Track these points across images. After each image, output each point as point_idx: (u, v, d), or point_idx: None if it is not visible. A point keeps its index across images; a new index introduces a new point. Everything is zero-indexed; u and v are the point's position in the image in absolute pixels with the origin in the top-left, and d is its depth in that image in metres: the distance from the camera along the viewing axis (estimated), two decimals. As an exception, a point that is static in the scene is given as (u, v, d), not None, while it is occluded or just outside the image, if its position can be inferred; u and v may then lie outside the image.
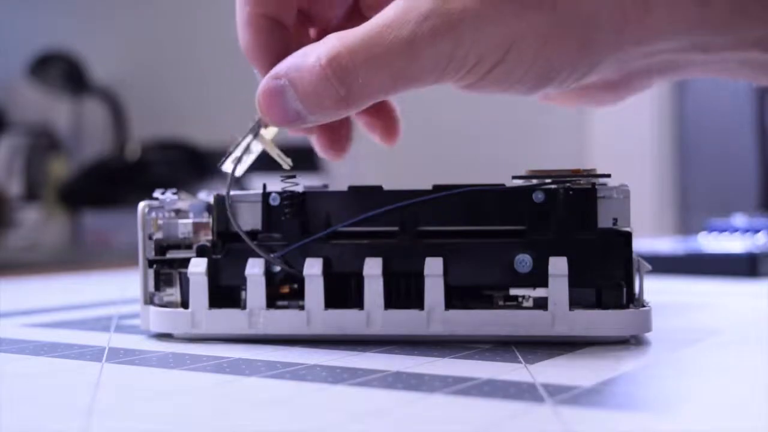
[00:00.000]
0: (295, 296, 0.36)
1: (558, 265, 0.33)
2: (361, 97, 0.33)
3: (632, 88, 0.40)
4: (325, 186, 0.39)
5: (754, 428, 0.22)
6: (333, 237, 0.35)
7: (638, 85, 0.40)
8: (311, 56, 0.33)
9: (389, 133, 0.43)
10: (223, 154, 0.37)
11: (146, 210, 0.37)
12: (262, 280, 0.35)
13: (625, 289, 0.34)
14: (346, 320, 0.35)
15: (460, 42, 0.32)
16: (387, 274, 0.34)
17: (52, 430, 0.23)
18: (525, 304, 0.36)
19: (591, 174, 0.35)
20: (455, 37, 0.32)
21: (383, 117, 0.43)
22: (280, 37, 0.38)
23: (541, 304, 0.35)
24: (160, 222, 0.37)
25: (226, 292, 0.36)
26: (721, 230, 0.74)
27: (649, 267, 0.35)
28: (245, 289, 0.35)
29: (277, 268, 0.35)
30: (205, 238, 0.37)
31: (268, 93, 0.34)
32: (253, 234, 0.36)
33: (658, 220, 1.44)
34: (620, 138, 1.47)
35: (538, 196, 0.35)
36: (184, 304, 0.36)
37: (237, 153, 0.37)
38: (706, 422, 0.23)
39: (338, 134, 0.42)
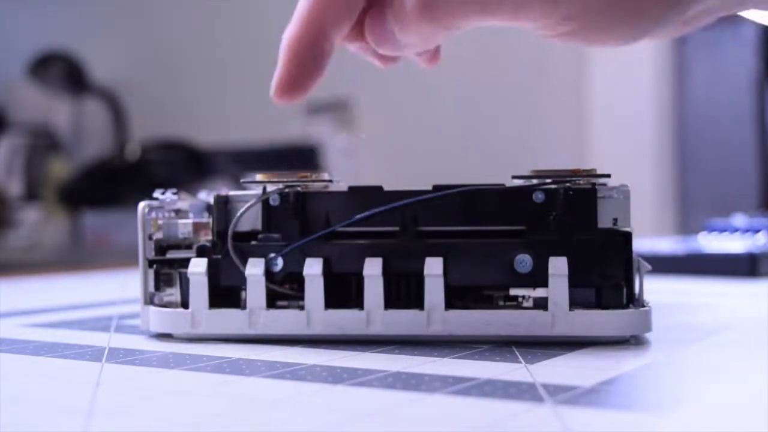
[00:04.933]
0: (296, 296, 0.36)
1: (558, 265, 0.33)
2: (444, 16, 0.33)
3: (691, 28, 0.39)
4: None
5: (754, 428, 0.22)
6: (333, 237, 0.35)
7: (696, 25, 0.39)
8: None
9: (432, 56, 0.42)
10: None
11: (146, 210, 0.37)
12: (262, 280, 0.35)
13: (625, 289, 0.34)
14: (346, 320, 0.35)
15: None
16: (387, 274, 0.34)
17: (52, 430, 0.23)
18: (525, 304, 0.36)
19: (591, 174, 0.35)
20: None
21: None
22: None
23: (541, 304, 0.35)
24: (160, 222, 0.37)
25: (226, 292, 0.36)
26: (721, 230, 0.74)
27: (649, 267, 0.35)
28: (245, 289, 0.35)
29: (277, 268, 0.35)
30: (205, 238, 0.37)
31: (373, 15, 0.35)
32: (253, 234, 0.36)
33: (658, 220, 1.44)
34: (620, 138, 1.47)
35: (538, 196, 0.35)
36: (184, 304, 0.36)
37: None
38: (706, 422, 0.23)
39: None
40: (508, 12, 0.33)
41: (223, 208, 0.36)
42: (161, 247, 0.37)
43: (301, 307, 0.35)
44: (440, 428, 0.22)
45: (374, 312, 0.34)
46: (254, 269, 0.35)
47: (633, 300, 0.35)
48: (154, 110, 1.84)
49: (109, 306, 0.49)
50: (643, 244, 0.66)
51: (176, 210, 0.38)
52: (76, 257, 1.26)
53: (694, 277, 0.63)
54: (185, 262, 0.36)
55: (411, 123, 1.53)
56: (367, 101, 1.57)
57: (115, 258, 1.02)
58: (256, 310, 0.35)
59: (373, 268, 0.34)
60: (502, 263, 0.34)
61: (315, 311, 0.35)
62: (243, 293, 0.36)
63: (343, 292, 0.35)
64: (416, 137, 1.54)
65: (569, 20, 0.33)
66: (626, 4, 0.33)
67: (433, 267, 0.34)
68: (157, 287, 0.38)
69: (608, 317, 0.33)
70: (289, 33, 0.36)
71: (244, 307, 0.35)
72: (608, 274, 0.34)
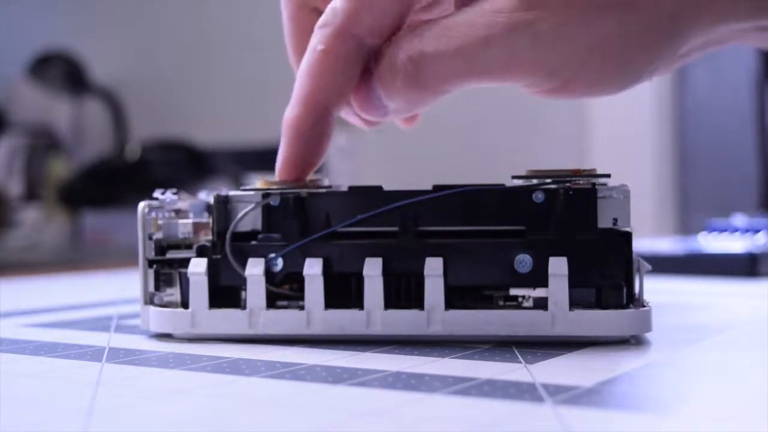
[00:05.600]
0: (295, 296, 0.36)
1: (558, 265, 0.33)
2: (432, 81, 0.33)
3: (683, 62, 0.40)
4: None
5: (754, 429, 0.22)
6: (333, 237, 0.35)
7: (688, 60, 0.39)
8: (390, 43, 0.34)
9: (411, 116, 0.42)
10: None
11: (146, 210, 0.37)
12: (262, 280, 0.35)
13: (625, 289, 0.34)
14: (346, 320, 0.35)
15: (539, 42, 0.32)
16: (387, 274, 0.34)
17: (52, 430, 0.23)
18: (525, 304, 0.36)
19: (591, 174, 0.35)
20: (534, 35, 0.32)
21: None
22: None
23: (541, 304, 0.35)
24: (160, 222, 0.37)
25: (226, 292, 0.36)
26: (721, 230, 0.74)
27: (649, 267, 0.35)
28: (245, 289, 0.35)
29: (277, 268, 0.35)
30: (205, 238, 0.37)
31: (359, 82, 0.35)
32: (253, 234, 0.36)
33: (658, 220, 1.45)
34: (620, 138, 1.47)
35: (538, 196, 0.35)
36: (184, 304, 0.36)
37: None
38: (706, 422, 0.23)
39: None
40: (494, 73, 0.33)
41: (223, 208, 0.36)
42: (161, 247, 0.37)
43: (301, 307, 0.35)
44: (440, 428, 0.22)
45: (374, 312, 0.34)
46: (254, 269, 0.35)
47: (633, 300, 0.35)
48: (154, 110, 1.84)
49: (109, 306, 0.49)
50: (643, 244, 0.67)
51: (176, 210, 0.38)
52: (76, 257, 1.26)
53: (694, 277, 0.63)
54: (185, 262, 0.36)
55: (411, 123, 1.53)
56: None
57: (115, 258, 1.02)
58: (256, 310, 0.35)
59: (373, 268, 0.34)
60: (502, 263, 0.34)
61: (315, 311, 0.35)
62: (243, 293, 0.36)
63: (343, 292, 0.35)
64: (416, 137, 1.54)
65: (554, 76, 0.33)
66: (609, 56, 0.33)
67: (433, 267, 0.34)
68: (157, 287, 0.38)
69: (608, 317, 0.33)
70: (292, 114, 0.36)
71: (244, 307, 0.35)
72: (608, 274, 0.34)
